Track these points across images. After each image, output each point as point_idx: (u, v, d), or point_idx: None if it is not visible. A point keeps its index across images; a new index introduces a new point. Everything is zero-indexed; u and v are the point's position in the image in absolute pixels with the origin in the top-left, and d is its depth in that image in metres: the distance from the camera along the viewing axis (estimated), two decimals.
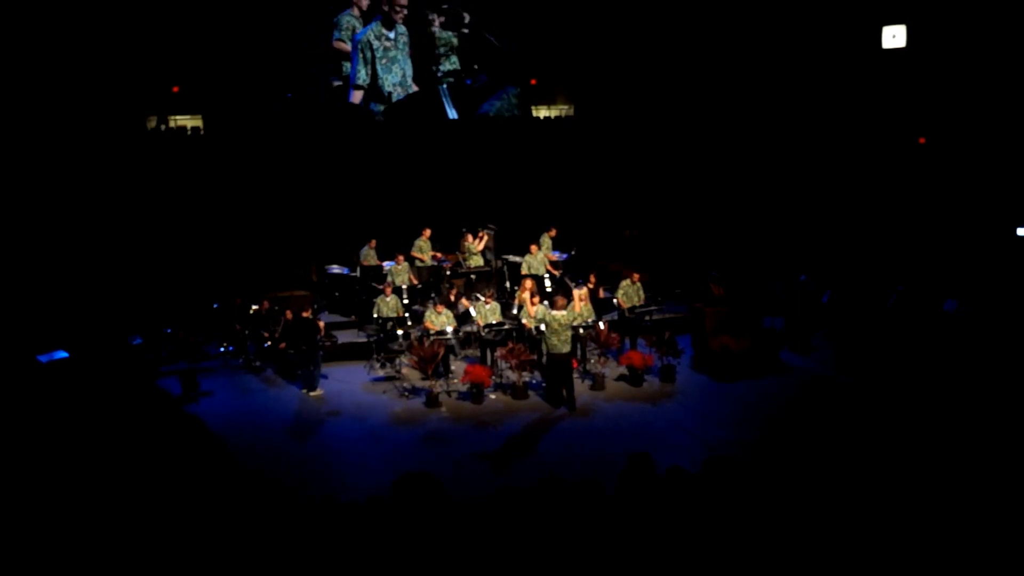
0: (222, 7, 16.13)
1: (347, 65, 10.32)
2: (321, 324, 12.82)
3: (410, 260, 15.29)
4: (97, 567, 6.61)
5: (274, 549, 5.96)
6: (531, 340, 12.84)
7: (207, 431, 10.88)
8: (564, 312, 11.77)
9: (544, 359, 12.31)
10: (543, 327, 11.74)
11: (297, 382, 12.97)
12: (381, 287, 13.80)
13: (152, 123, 16.03)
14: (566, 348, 11.67)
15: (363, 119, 10.53)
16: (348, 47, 10.35)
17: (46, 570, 6.73)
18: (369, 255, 15.39)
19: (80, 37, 14.94)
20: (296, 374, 12.99)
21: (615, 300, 14.05)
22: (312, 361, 12.56)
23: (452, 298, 14.03)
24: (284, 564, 5.83)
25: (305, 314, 12.63)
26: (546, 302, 13.39)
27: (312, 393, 12.49)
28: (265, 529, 6.29)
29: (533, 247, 15.29)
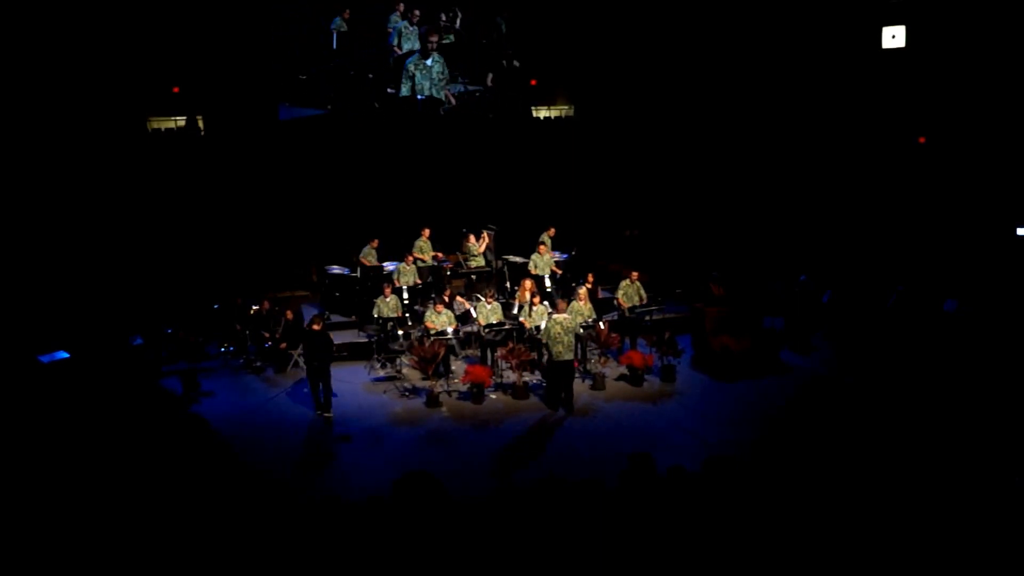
0: (221, 7, 16.15)
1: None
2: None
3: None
4: (102, 567, 6.63)
5: (277, 548, 5.97)
6: (532, 340, 12.85)
7: (211, 431, 10.89)
8: (567, 315, 11.77)
9: (545, 360, 12.33)
10: (547, 336, 11.69)
11: (298, 384, 12.99)
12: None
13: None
14: (569, 355, 11.68)
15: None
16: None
17: (50, 570, 6.74)
18: (370, 254, 15.40)
19: (80, 37, 14.94)
20: (294, 378, 12.95)
21: (615, 300, 14.07)
22: (327, 377, 11.75)
23: (447, 298, 14.04)
24: (286, 563, 5.85)
25: (316, 327, 11.76)
26: (546, 302, 13.42)
27: (326, 413, 11.72)
28: (268, 528, 6.31)
29: (542, 247, 15.31)
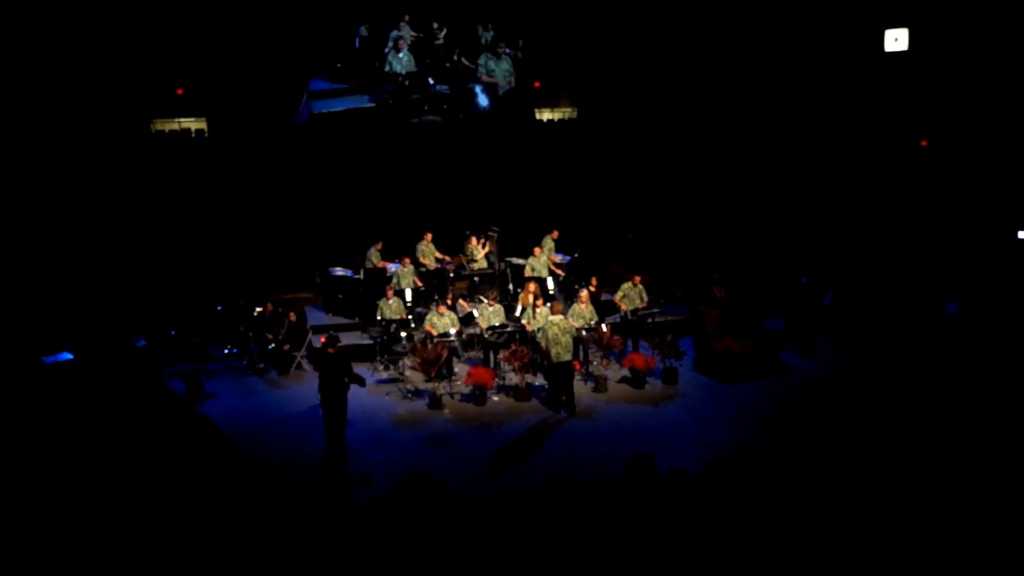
0: (225, 9, 16.22)
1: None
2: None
3: (415, 264, 15.32)
4: (109, 566, 6.66)
5: (280, 547, 6.01)
6: (534, 342, 12.89)
7: (216, 431, 10.92)
8: (561, 316, 11.82)
9: (546, 362, 12.36)
10: (544, 338, 11.73)
11: (301, 386, 13.02)
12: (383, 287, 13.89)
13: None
14: (567, 356, 11.72)
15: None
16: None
17: (57, 571, 6.78)
18: (374, 256, 15.43)
19: (85, 40, 15.02)
20: (297, 379, 12.92)
21: (614, 302, 14.10)
22: (343, 406, 10.50)
23: (449, 300, 14.09)
24: (290, 562, 5.88)
25: (331, 350, 10.59)
26: (548, 304, 13.45)
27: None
28: (272, 528, 6.34)
29: (536, 249, 15.33)
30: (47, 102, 14.80)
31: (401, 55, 16.94)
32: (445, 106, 17.80)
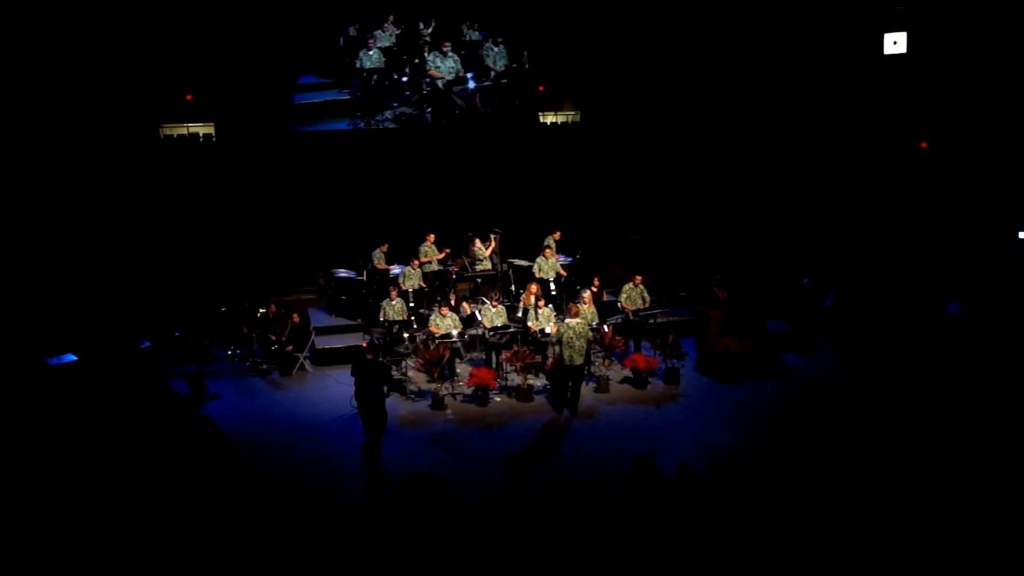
0: (234, 15, 16.29)
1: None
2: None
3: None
4: (111, 567, 6.71)
5: (283, 548, 6.05)
6: (536, 343, 12.92)
7: (218, 431, 10.97)
8: (579, 320, 11.86)
9: (549, 363, 12.41)
10: (559, 341, 11.75)
11: (304, 387, 13.04)
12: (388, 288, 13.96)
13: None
14: (580, 360, 11.75)
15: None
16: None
17: (59, 572, 6.82)
18: (379, 258, 15.48)
19: (95, 45, 15.10)
20: (300, 380, 12.90)
21: (619, 303, 14.15)
22: (383, 414, 10.69)
23: (453, 301, 14.13)
24: (292, 563, 5.93)
25: (369, 356, 10.72)
26: (550, 306, 13.50)
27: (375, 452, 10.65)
28: (274, 529, 6.39)
29: (547, 251, 15.37)
30: (57, 106, 14.87)
31: (372, 53, 17.52)
32: (412, 98, 18.26)
